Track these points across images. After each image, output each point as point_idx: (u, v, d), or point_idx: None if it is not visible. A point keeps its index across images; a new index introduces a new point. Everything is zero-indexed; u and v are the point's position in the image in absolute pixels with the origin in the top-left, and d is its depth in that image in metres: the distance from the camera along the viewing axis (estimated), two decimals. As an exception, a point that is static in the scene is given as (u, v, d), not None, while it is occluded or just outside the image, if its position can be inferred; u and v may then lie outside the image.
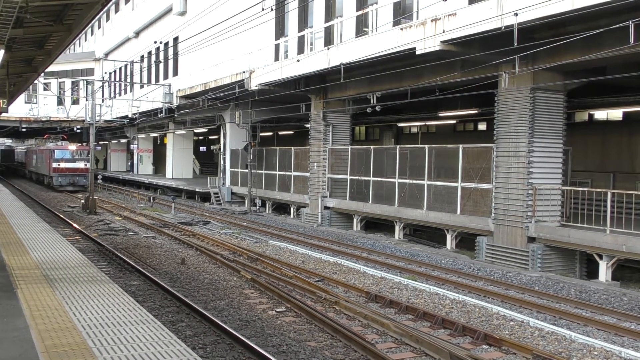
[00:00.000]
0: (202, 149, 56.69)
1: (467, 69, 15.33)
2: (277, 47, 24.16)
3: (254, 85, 23.00)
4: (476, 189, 16.64)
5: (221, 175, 32.40)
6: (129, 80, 42.99)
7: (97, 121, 27.78)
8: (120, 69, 46.83)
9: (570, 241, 13.98)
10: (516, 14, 11.85)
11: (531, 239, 14.79)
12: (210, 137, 49.91)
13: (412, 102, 18.62)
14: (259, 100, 25.89)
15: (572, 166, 17.87)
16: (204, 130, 39.90)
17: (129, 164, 54.35)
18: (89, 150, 31.31)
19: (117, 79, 47.19)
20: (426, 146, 18.95)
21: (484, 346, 8.70)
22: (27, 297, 7.43)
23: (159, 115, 34.78)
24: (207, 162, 51.54)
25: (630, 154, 20.44)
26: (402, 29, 15.52)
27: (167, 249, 16.80)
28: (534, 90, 14.72)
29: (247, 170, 29.20)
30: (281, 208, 28.32)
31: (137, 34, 42.75)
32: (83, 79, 40.53)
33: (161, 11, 37.47)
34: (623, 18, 10.86)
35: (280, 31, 24.63)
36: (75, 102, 48.68)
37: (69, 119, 43.71)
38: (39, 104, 50.06)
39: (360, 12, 19.64)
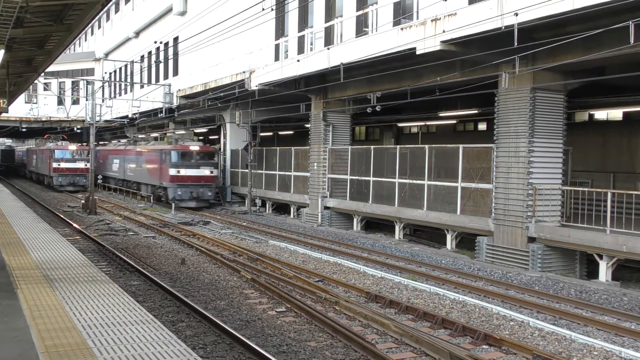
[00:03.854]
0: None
1: (467, 69, 15.32)
2: (277, 47, 24.15)
3: (254, 85, 22.99)
4: (476, 189, 16.64)
5: (221, 175, 32.41)
6: (129, 80, 42.98)
7: (97, 121, 27.77)
8: (120, 69, 46.82)
9: (570, 241, 13.98)
10: (516, 14, 11.85)
11: (531, 239, 14.79)
12: (211, 137, 49.90)
13: (412, 102, 18.61)
14: (259, 100, 25.90)
15: (572, 166, 17.87)
16: (204, 130, 39.87)
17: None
18: (89, 150, 31.27)
19: (117, 79, 47.17)
20: (426, 146, 18.95)
21: (484, 346, 8.70)
22: (27, 297, 7.43)
23: (159, 115, 34.78)
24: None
25: (631, 154, 20.44)
26: (402, 29, 15.52)
27: (167, 249, 16.80)
28: (534, 90, 14.72)
29: (247, 170, 29.21)
30: (281, 208, 28.31)
31: (137, 34, 42.74)
32: (83, 79, 40.45)
33: (161, 11, 37.45)
34: (623, 18, 10.85)
35: (280, 31, 24.62)
36: (75, 102, 48.66)
37: (69, 119, 43.71)
38: (39, 104, 50.04)
39: (360, 12, 19.63)
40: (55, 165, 38.84)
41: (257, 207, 28.76)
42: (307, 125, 25.73)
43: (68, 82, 51.78)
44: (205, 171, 28.51)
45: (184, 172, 28.21)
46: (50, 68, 19.52)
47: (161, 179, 29.56)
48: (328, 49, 18.83)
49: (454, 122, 27.22)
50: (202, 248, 16.56)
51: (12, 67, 15.62)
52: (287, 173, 26.67)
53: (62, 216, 23.75)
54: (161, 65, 38.04)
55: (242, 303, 10.87)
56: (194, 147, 29.13)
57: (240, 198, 30.96)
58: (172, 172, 28.30)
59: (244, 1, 19.37)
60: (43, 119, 48.70)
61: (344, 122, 23.80)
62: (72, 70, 52.00)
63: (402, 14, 17.65)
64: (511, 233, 15.23)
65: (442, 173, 18.37)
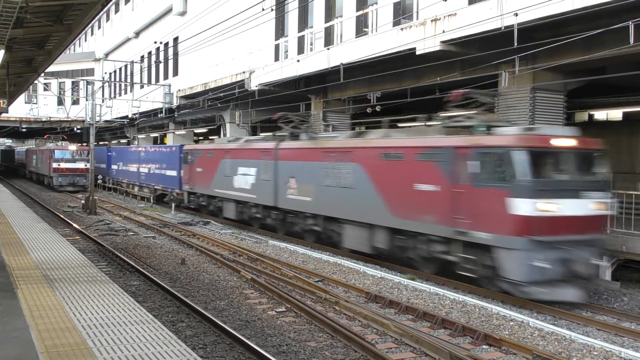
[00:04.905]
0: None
1: (467, 68, 15.32)
2: (277, 47, 24.16)
3: (254, 85, 23.00)
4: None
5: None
6: (129, 80, 43.00)
7: (97, 121, 27.80)
8: (120, 69, 46.84)
9: (570, 241, 13.93)
10: (516, 14, 11.86)
11: (531, 239, 14.73)
12: (211, 137, 49.88)
13: (413, 102, 18.60)
14: (259, 100, 25.89)
15: (572, 166, 17.82)
16: (204, 130, 39.88)
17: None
18: (89, 150, 31.24)
19: (117, 79, 47.19)
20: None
21: (484, 346, 8.70)
22: (27, 297, 7.43)
23: (159, 115, 34.77)
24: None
25: (630, 154, 20.42)
26: (402, 29, 15.52)
27: (167, 249, 16.80)
28: (534, 90, 14.72)
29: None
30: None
31: (137, 34, 42.76)
32: (83, 79, 40.42)
33: (161, 11, 37.47)
34: (623, 18, 10.86)
35: (280, 31, 24.62)
36: (75, 102, 48.69)
37: (69, 119, 43.71)
38: (39, 104, 50.05)
39: (360, 12, 19.63)
40: (55, 165, 38.86)
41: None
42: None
43: (68, 83, 51.82)
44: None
45: (549, 207, 10.81)
46: (50, 68, 19.54)
47: (465, 223, 11.77)
48: (328, 49, 18.83)
49: (454, 122, 27.17)
50: (202, 248, 16.56)
51: (12, 67, 15.64)
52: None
53: (62, 216, 23.76)
54: (161, 66, 38.05)
55: (242, 303, 10.87)
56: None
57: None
58: (524, 207, 10.72)
59: (244, 1, 19.38)
60: (43, 119, 48.70)
61: (344, 122, 23.79)
62: (72, 70, 52.03)
63: (402, 14, 17.65)
64: (511, 233, 15.16)
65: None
